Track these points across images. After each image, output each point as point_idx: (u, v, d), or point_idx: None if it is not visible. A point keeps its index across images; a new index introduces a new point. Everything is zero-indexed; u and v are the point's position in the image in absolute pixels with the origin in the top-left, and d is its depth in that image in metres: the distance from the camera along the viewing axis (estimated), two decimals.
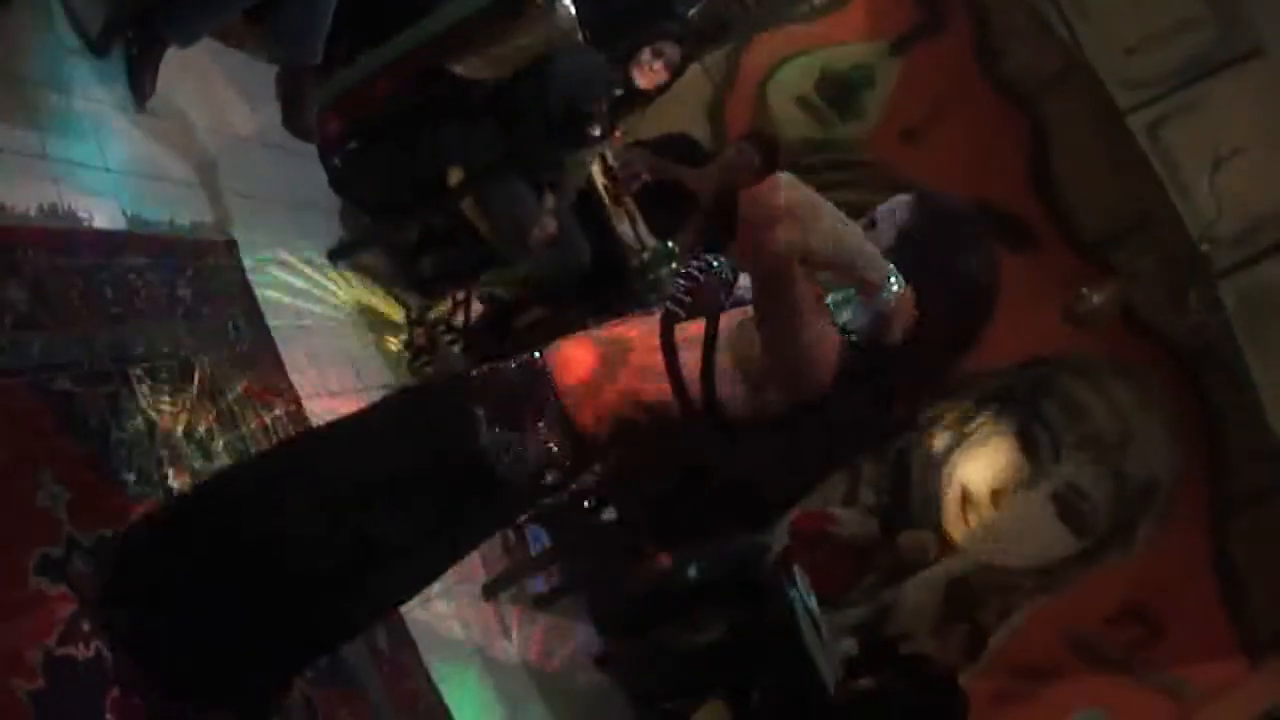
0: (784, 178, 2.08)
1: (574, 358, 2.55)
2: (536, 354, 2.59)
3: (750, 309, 2.37)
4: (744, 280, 2.46)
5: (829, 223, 2.11)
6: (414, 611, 4.26)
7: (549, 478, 2.52)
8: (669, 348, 2.41)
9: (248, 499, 2.61)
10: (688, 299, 2.43)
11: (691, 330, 2.41)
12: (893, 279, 2.22)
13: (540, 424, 2.48)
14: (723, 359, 2.35)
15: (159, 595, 2.59)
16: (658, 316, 2.48)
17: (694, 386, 2.37)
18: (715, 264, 2.43)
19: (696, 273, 2.43)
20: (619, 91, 5.37)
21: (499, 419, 2.48)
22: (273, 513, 2.54)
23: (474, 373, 2.64)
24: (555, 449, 2.49)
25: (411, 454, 2.53)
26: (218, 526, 2.59)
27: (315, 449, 2.77)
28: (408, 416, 2.67)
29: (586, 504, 5.16)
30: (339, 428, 2.79)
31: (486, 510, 2.65)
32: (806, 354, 2.22)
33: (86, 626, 2.61)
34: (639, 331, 2.55)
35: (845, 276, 2.25)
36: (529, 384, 2.52)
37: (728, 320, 2.39)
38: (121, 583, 2.68)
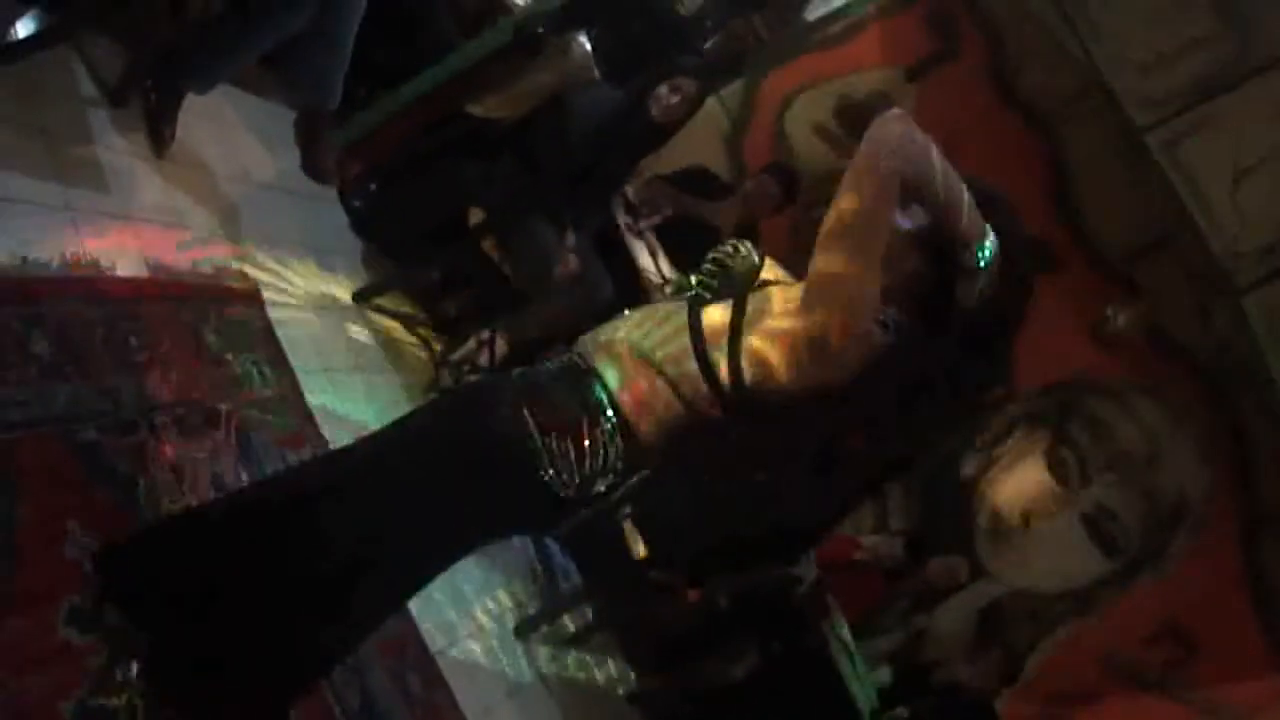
0: (897, 113, 2.29)
1: (616, 355, 2.53)
2: (578, 356, 2.57)
3: (780, 286, 2.43)
4: (768, 266, 2.60)
5: (939, 161, 2.26)
6: (446, 652, 4.26)
7: (600, 485, 2.50)
8: (696, 330, 2.45)
9: (279, 511, 2.61)
10: (714, 282, 2.50)
11: (717, 312, 2.47)
12: (989, 241, 2.30)
13: (595, 430, 2.46)
14: (749, 337, 2.39)
15: (185, 618, 2.58)
16: (685, 302, 2.53)
17: (721, 368, 2.40)
18: (742, 249, 2.54)
19: (724, 256, 2.53)
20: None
21: (549, 425, 2.44)
22: (308, 524, 2.53)
23: (515, 374, 2.61)
24: (608, 455, 2.47)
25: (459, 456, 2.50)
26: (249, 539, 2.58)
27: (358, 455, 2.73)
28: (455, 420, 2.62)
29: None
30: (382, 435, 2.73)
31: (531, 513, 2.63)
32: (851, 305, 2.27)
33: (118, 676, 2.60)
34: (669, 317, 2.56)
35: (941, 218, 2.31)
36: (578, 388, 2.50)
37: (755, 300, 2.46)
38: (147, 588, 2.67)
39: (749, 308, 2.43)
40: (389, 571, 2.55)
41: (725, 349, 2.39)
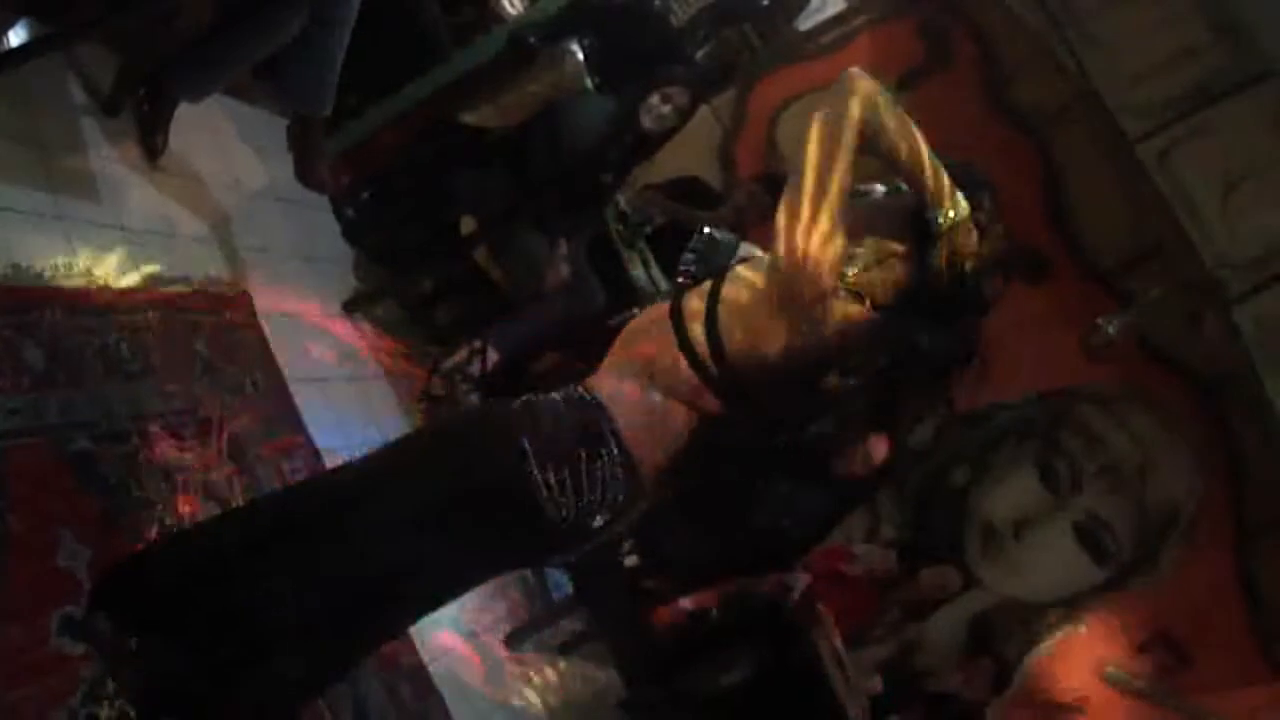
0: (856, 70, 2.38)
1: (616, 374, 2.55)
2: (582, 388, 2.56)
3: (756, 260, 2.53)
4: (745, 249, 2.65)
5: (900, 115, 2.37)
6: (437, 661, 4.25)
7: (598, 519, 2.48)
8: (678, 314, 2.48)
9: (277, 534, 2.59)
10: (694, 269, 2.59)
11: (698, 294, 2.51)
12: (957, 199, 2.36)
13: (596, 463, 2.44)
14: (726, 310, 2.42)
15: (179, 634, 2.57)
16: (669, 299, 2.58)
17: (701, 346, 2.43)
18: (719, 236, 2.63)
19: (701, 245, 2.62)
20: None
21: (549, 455, 2.43)
22: (305, 548, 2.52)
23: (516, 404, 2.58)
24: (609, 489, 2.46)
25: (455, 484, 2.49)
26: (246, 561, 2.56)
27: (354, 479, 2.73)
28: (452, 447, 2.61)
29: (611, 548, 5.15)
30: (378, 458, 2.74)
31: (527, 545, 2.62)
32: (811, 250, 2.28)
33: (110, 685, 2.60)
34: (653, 314, 2.59)
35: (906, 173, 2.38)
36: (582, 419, 2.49)
37: (732, 276, 2.51)
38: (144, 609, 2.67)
39: (727, 283, 2.47)
40: (386, 600, 2.55)
41: (703, 322, 2.43)
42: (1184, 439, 6.94)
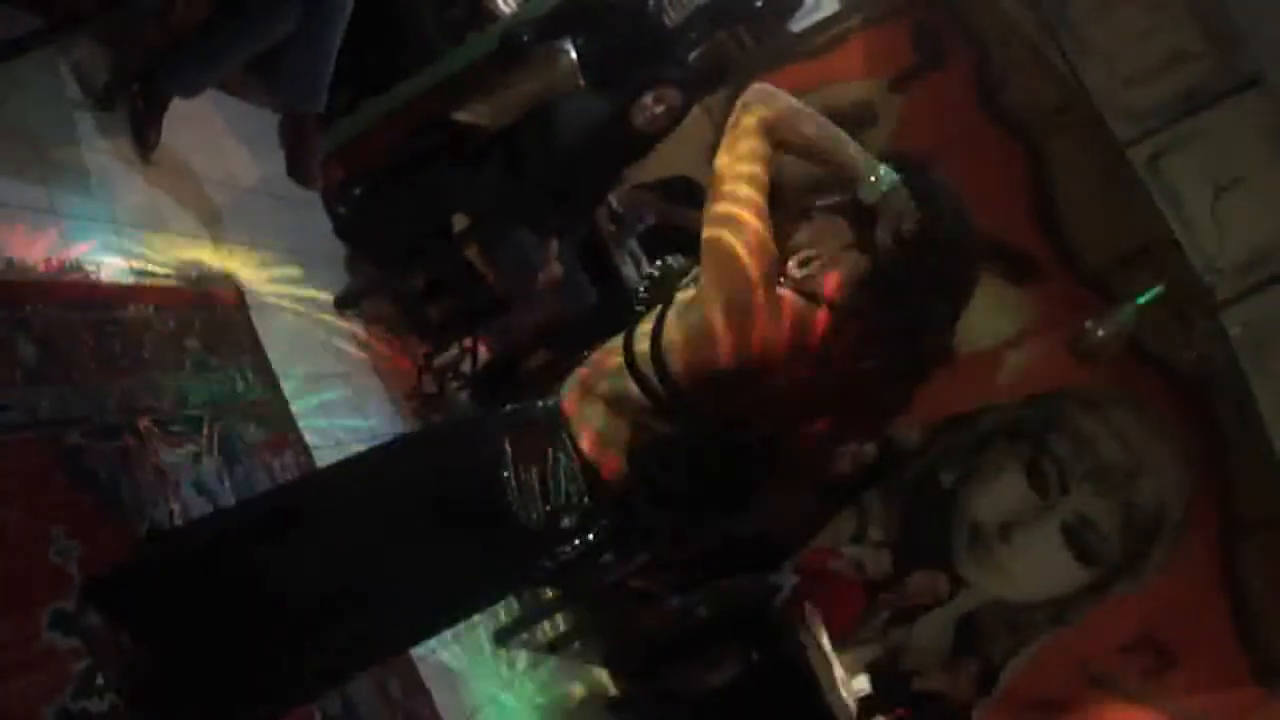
0: (757, 85, 2.45)
1: (577, 391, 2.57)
2: (559, 395, 2.59)
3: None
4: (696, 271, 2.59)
5: (801, 111, 2.43)
6: (426, 658, 4.26)
7: (565, 522, 2.50)
8: (628, 339, 2.49)
9: (268, 529, 2.60)
10: (648, 295, 2.62)
11: (647, 321, 2.51)
12: (881, 172, 2.37)
13: (558, 468, 2.47)
14: (669, 332, 2.42)
15: (169, 630, 2.58)
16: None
17: (648, 369, 2.43)
18: (672, 261, 2.68)
19: (655, 271, 2.67)
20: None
21: (522, 455, 2.47)
22: (294, 543, 2.53)
23: (505, 409, 2.64)
24: (570, 493, 2.48)
25: (439, 484, 2.52)
26: (234, 558, 2.57)
27: (341, 481, 2.75)
28: (441, 445, 2.69)
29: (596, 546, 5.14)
30: (371, 458, 2.78)
31: (500, 554, 2.62)
32: (735, 246, 2.33)
33: (100, 680, 2.60)
34: (613, 342, 2.59)
35: (822, 161, 2.45)
36: (550, 424, 2.52)
37: (682, 295, 2.50)
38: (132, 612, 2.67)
39: (672, 307, 2.46)
40: (373, 607, 2.55)
41: (649, 347, 2.43)
42: (1172, 442, 6.97)
